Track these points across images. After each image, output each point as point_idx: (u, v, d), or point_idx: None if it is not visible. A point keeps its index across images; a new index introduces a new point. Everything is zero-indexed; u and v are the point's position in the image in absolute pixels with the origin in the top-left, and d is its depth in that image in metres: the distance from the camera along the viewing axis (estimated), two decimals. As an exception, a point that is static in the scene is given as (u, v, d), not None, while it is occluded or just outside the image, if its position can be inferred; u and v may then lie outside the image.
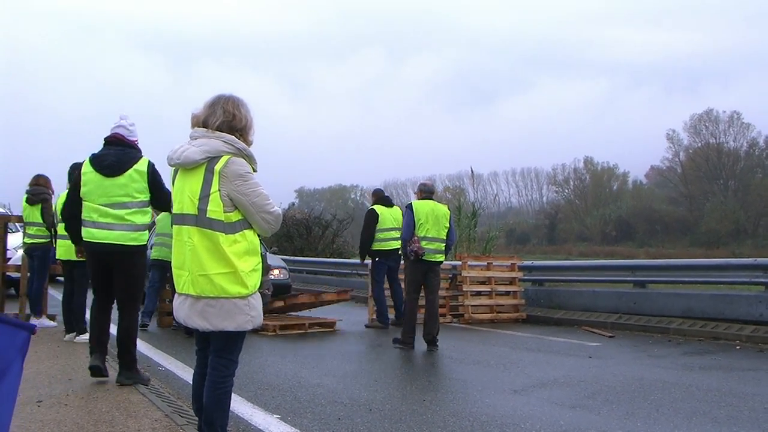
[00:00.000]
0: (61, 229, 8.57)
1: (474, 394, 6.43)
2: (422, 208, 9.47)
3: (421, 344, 9.34)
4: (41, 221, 9.80)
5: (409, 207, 9.54)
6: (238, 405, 5.67)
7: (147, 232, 6.24)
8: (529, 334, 10.87)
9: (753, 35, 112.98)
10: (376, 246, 11.65)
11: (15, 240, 12.34)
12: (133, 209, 6.05)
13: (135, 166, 6.09)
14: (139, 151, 6.28)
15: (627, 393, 6.49)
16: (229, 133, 3.88)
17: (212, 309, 3.77)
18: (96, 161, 6.12)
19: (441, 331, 9.67)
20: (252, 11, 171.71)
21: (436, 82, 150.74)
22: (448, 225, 9.54)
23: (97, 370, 6.12)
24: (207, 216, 3.75)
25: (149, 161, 6.23)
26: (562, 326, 11.87)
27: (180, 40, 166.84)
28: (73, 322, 8.95)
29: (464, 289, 12.70)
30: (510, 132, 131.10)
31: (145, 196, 6.10)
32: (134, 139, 6.32)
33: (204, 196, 3.76)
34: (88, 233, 6.06)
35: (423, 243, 9.29)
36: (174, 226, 3.96)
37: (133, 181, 6.05)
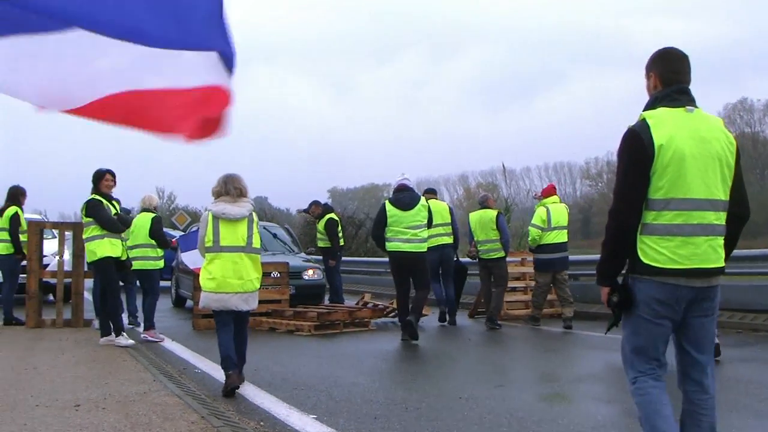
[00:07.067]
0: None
1: (510, 391, 6.38)
2: (473, 218, 11.78)
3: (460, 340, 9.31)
4: None
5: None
6: (274, 405, 5.69)
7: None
8: (565, 330, 10.77)
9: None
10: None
11: (51, 246, 12.39)
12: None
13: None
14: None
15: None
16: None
17: (251, 297, 6.45)
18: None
19: (477, 329, 10.70)
20: (300, 14, 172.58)
21: (473, 79, 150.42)
22: (494, 227, 11.37)
23: None
24: (252, 246, 6.48)
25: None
26: (599, 320, 11.71)
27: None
28: (107, 324, 8.95)
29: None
30: (543, 126, 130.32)
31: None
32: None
33: (250, 235, 6.47)
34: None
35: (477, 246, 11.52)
36: (223, 253, 6.33)
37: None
